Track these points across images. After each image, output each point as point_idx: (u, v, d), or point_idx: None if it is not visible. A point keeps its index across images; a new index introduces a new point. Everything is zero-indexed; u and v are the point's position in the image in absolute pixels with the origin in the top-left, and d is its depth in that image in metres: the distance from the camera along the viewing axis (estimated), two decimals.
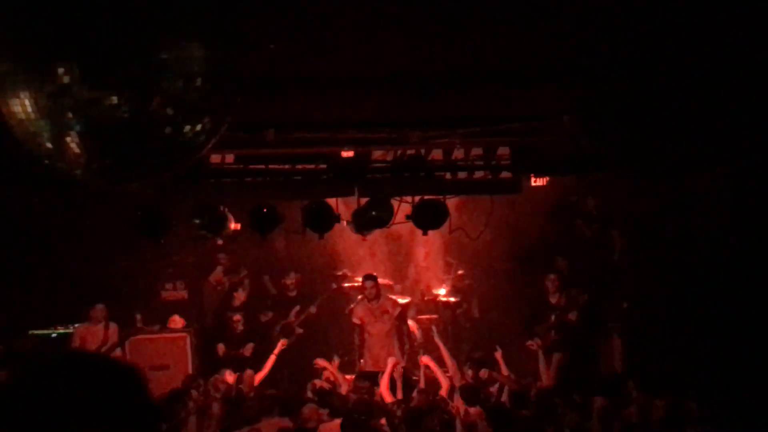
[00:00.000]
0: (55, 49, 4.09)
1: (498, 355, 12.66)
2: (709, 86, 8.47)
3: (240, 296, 15.69)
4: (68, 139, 4.25)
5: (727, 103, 8.77)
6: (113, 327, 14.20)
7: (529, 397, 11.19)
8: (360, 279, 16.20)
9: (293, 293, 16.26)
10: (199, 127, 4.40)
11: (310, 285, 16.77)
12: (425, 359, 12.97)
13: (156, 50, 4.15)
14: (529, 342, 13.04)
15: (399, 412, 11.10)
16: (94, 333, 14.01)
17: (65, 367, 2.06)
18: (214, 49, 4.30)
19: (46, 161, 4.49)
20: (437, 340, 13.24)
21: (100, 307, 14.09)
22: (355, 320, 14.57)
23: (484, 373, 12.46)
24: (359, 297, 15.12)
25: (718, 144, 9.66)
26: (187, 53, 4.21)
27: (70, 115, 4.17)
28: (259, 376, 12.87)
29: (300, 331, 15.80)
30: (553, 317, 14.17)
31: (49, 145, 4.34)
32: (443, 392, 12.04)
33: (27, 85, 4.21)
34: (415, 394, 11.79)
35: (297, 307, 15.97)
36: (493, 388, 12.09)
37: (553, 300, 14.50)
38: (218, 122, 4.49)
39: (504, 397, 11.71)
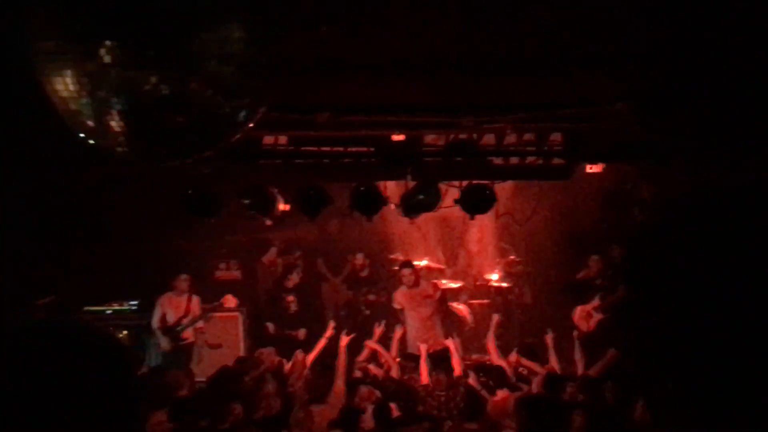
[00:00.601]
0: (97, 29, 4.14)
1: (548, 338, 12.58)
2: (759, 71, 8.34)
3: (294, 278, 15.79)
4: (109, 117, 4.30)
5: None
6: (196, 299, 14.38)
7: (563, 385, 11.15)
8: (417, 263, 16.28)
9: (364, 273, 16.35)
10: (238, 107, 4.43)
11: (377, 266, 16.84)
12: (447, 342, 12.92)
13: (196, 31, 4.18)
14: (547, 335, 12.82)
15: (423, 393, 11.45)
16: (176, 303, 14.24)
17: (39, 336, 2.07)
18: (253, 30, 4.32)
19: (88, 139, 4.56)
20: (491, 334, 13.15)
21: (184, 277, 14.32)
22: (396, 305, 14.57)
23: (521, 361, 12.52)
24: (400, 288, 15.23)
25: None
26: (227, 34, 4.23)
27: (110, 93, 4.23)
28: (310, 357, 12.91)
29: (367, 312, 15.89)
30: (597, 297, 14.09)
31: (90, 123, 4.40)
32: (457, 374, 12.10)
33: (69, 64, 4.27)
34: (433, 374, 11.87)
35: (365, 289, 16.08)
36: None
37: (596, 280, 14.43)
38: (257, 103, 4.52)
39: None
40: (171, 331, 14.11)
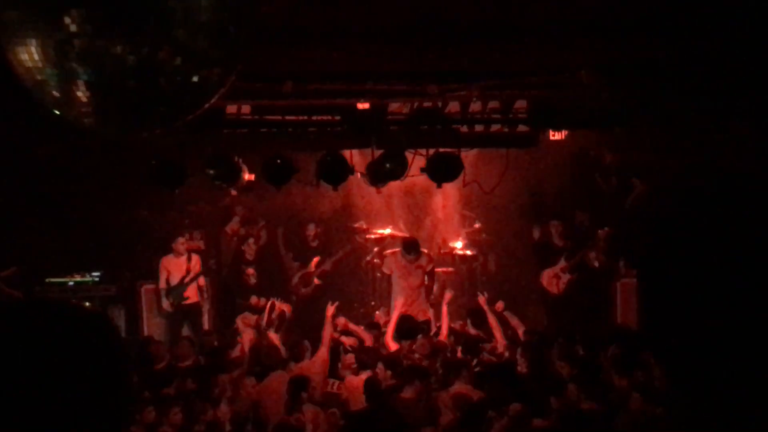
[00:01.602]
0: None
1: (482, 301, 12.62)
2: (730, 37, 8.37)
3: (250, 249, 15.74)
4: (75, 87, 4.23)
5: (747, 57, 8.67)
6: (195, 257, 14.96)
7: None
8: (378, 231, 16.27)
9: (314, 244, 16.30)
10: (207, 76, 4.37)
11: (329, 236, 16.78)
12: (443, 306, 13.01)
13: None
14: (480, 297, 12.86)
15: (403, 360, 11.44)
16: (178, 264, 14.84)
17: (28, 311, 2.04)
18: None
19: (54, 110, 4.48)
20: (445, 307, 13.18)
21: (181, 239, 14.95)
22: (386, 270, 14.55)
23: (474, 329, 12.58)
24: (388, 251, 15.20)
25: (738, 97, 9.56)
26: (195, 2, 4.17)
27: (77, 63, 4.15)
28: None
29: (318, 282, 15.83)
30: (563, 259, 14.17)
31: (56, 93, 4.32)
32: (442, 337, 12.18)
33: (34, 33, 4.19)
34: (419, 337, 12.04)
35: (316, 258, 16.00)
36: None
37: (559, 243, 14.51)
38: (227, 72, 4.46)
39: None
40: (173, 291, 14.67)
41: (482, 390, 9.98)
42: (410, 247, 14.34)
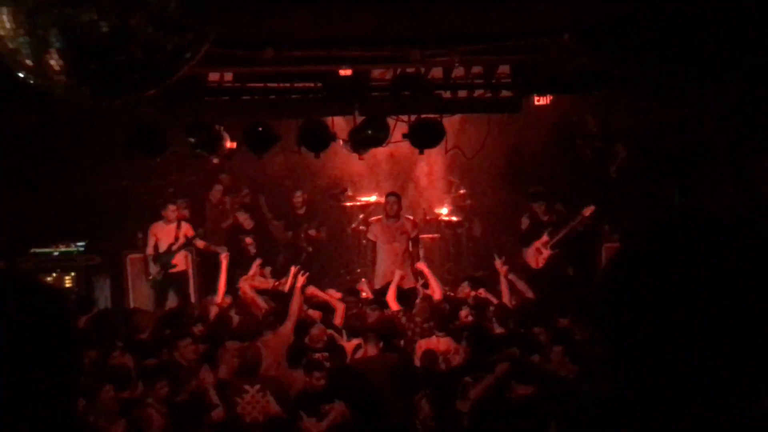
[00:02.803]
0: None
1: (498, 265, 12.63)
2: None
3: (247, 220, 15.73)
4: (48, 56, 4.21)
5: (726, 18, 8.67)
6: (186, 225, 14.89)
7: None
8: (363, 198, 16.24)
9: (301, 211, 16.28)
10: (180, 43, 4.35)
11: (315, 203, 16.78)
12: (420, 265, 13.04)
13: None
14: (497, 261, 12.89)
15: (404, 319, 11.55)
16: (167, 231, 14.72)
17: None
18: None
19: (28, 78, 4.46)
20: (420, 265, 13.22)
21: (171, 207, 14.76)
22: (371, 237, 14.52)
23: (481, 292, 12.53)
24: (373, 218, 15.16)
25: (718, 58, 9.56)
26: None
27: (49, 31, 4.13)
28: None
29: (309, 249, 15.85)
30: (545, 234, 14.19)
31: (29, 61, 4.30)
32: (437, 297, 12.20)
33: (7, 2, 4.16)
34: (418, 301, 12.03)
35: (304, 225, 16.00)
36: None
37: (543, 218, 14.52)
38: (201, 39, 4.44)
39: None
40: (161, 258, 14.55)
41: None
42: (390, 193, 14.47)
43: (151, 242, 14.65)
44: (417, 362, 10.43)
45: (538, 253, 14.22)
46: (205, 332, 11.16)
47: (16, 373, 1.94)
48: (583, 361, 9.34)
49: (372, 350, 10.21)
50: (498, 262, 12.60)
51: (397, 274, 12.80)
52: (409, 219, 14.58)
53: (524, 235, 14.64)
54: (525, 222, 14.84)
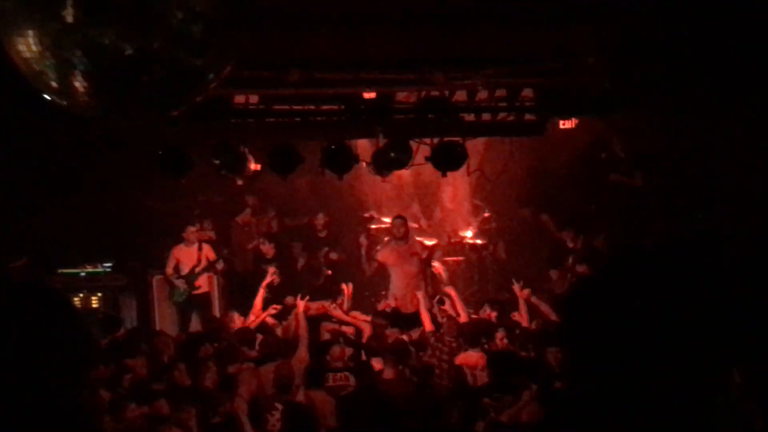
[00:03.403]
0: None
1: (516, 289, 12.65)
2: (735, 24, 8.35)
3: (268, 249, 15.68)
4: (73, 77, 4.26)
5: (754, 40, 8.65)
6: (207, 247, 15.00)
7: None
8: (387, 220, 16.26)
9: (323, 234, 16.27)
10: (203, 65, 4.40)
11: (338, 226, 16.78)
12: (448, 289, 13.03)
13: None
14: (515, 285, 12.90)
15: (433, 339, 11.62)
16: (189, 253, 14.83)
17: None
18: None
19: (54, 98, 4.52)
20: (448, 289, 13.24)
21: (192, 228, 14.92)
22: (379, 258, 14.52)
23: (514, 315, 12.59)
24: (386, 238, 15.14)
25: (747, 82, 9.54)
26: None
27: (74, 53, 4.18)
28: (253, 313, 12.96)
29: (328, 272, 15.81)
30: (570, 260, 14.16)
31: (54, 83, 4.36)
32: (463, 320, 12.25)
33: (31, 24, 4.23)
34: (444, 321, 12.09)
35: (325, 249, 15.97)
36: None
37: (570, 245, 14.51)
38: (223, 60, 4.49)
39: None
40: (185, 279, 14.66)
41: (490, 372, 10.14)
42: (397, 216, 14.56)
43: (171, 263, 14.72)
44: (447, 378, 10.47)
45: (562, 279, 14.18)
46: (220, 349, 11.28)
47: (38, 384, 1.99)
48: None
49: (390, 373, 10.23)
50: (516, 287, 12.64)
51: (421, 296, 12.82)
52: (419, 241, 14.62)
53: (549, 259, 14.63)
54: (554, 274, 14.83)
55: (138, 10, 4.13)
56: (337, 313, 12.88)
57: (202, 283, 14.82)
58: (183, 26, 4.21)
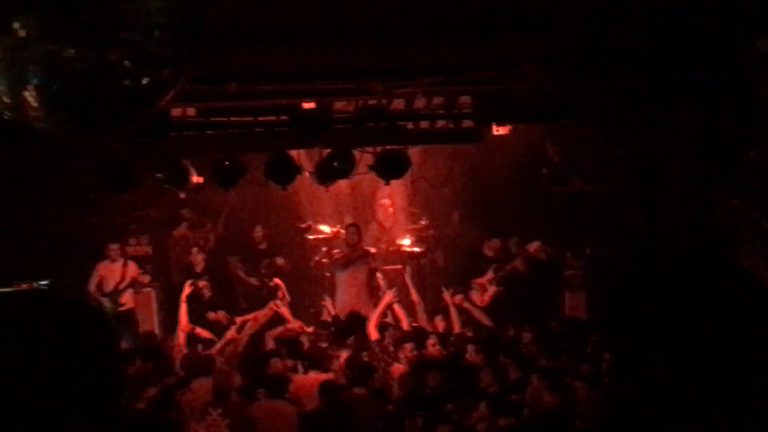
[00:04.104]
0: (12, 2, 4.04)
1: (447, 296, 12.76)
2: (673, 31, 8.49)
3: (198, 260, 15.55)
4: (26, 92, 4.20)
5: (691, 49, 8.80)
6: (132, 264, 14.97)
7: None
8: (326, 230, 16.28)
9: (263, 246, 16.20)
10: (158, 79, 4.36)
11: (277, 237, 16.74)
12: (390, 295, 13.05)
13: (114, 1, 4.10)
14: (445, 293, 13.01)
15: (377, 349, 11.65)
16: (112, 270, 14.80)
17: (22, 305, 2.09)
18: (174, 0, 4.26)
19: (6, 114, 4.45)
20: (408, 282, 13.32)
21: (113, 246, 14.89)
22: (331, 266, 14.60)
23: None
24: (335, 251, 15.26)
25: (682, 89, 9.70)
26: (146, 3, 4.16)
27: (27, 68, 4.13)
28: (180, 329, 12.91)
29: (270, 283, 15.74)
30: (490, 271, 14.25)
31: (6, 99, 4.29)
32: (405, 328, 12.36)
33: None
34: (387, 330, 12.14)
35: (266, 261, 15.91)
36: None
37: (489, 254, 14.61)
38: (178, 74, 4.46)
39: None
40: (108, 297, 14.49)
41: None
42: (351, 224, 14.86)
43: (94, 281, 14.64)
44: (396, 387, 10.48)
45: (483, 290, 14.25)
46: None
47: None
48: (561, 391, 9.36)
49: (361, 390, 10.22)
50: (447, 294, 12.75)
51: (389, 294, 12.83)
52: (366, 250, 14.68)
53: (464, 271, 14.71)
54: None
55: (93, 24, 4.08)
56: (283, 310, 12.93)
57: (127, 300, 14.74)
58: (138, 40, 4.18)
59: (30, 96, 4.26)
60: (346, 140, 12.22)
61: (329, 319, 13.64)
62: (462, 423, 8.86)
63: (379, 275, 14.58)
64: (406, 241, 16.92)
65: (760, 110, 9.49)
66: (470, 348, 11.29)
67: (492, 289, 14.14)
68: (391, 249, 16.76)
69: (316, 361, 11.53)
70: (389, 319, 12.89)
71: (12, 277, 13.95)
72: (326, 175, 12.69)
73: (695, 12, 8.14)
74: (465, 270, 15.74)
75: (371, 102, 11.76)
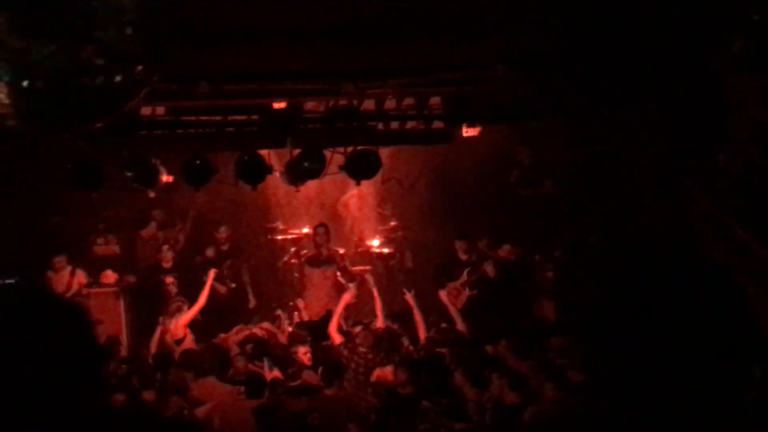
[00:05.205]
0: None
1: (409, 298, 12.76)
2: (644, 33, 8.55)
3: (166, 257, 15.49)
4: None
5: (661, 51, 8.86)
6: (80, 272, 14.81)
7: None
8: (294, 231, 16.26)
9: (225, 247, 16.09)
10: (130, 76, 4.35)
11: (243, 238, 16.67)
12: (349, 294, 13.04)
13: None
14: (407, 295, 13.02)
15: (346, 351, 11.61)
16: (59, 280, 14.61)
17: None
18: None
19: None
20: (370, 283, 13.32)
21: (59, 258, 14.69)
22: (301, 266, 14.60)
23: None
24: (303, 251, 15.25)
25: (649, 90, 9.77)
26: (119, 1, 4.15)
27: None
28: (189, 315, 13.00)
29: (232, 285, 15.66)
30: (464, 273, 14.26)
31: None
32: (379, 326, 12.37)
33: None
34: (359, 331, 12.07)
35: (229, 261, 15.80)
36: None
37: (463, 257, 14.62)
38: (150, 72, 4.45)
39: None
40: None
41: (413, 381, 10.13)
42: (319, 224, 14.85)
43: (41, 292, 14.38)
44: (371, 393, 10.46)
45: (457, 293, 14.25)
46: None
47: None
48: (523, 389, 9.39)
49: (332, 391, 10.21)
50: (409, 296, 12.73)
51: (348, 293, 12.81)
52: (335, 250, 14.69)
53: (440, 274, 14.69)
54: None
55: (65, 22, 4.07)
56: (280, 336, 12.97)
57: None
58: (110, 38, 4.16)
59: (1, 94, 4.24)
60: (316, 140, 12.18)
61: (300, 320, 13.65)
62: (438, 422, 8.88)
63: (338, 274, 14.56)
64: (375, 242, 16.91)
65: (729, 113, 9.58)
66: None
67: (466, 293, 14.12)
68: (359, 250, 16.75)
69: (283, 361, 11.53)
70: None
71: None
72: (297, 175, 12.65)
73: (666, 14, 8.20)
74: (434, 272, 15.74)
75: (342, 102, 11.75)
